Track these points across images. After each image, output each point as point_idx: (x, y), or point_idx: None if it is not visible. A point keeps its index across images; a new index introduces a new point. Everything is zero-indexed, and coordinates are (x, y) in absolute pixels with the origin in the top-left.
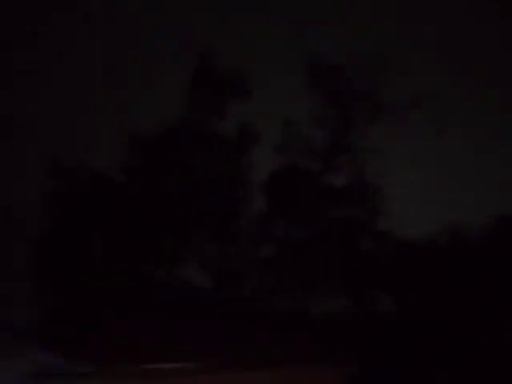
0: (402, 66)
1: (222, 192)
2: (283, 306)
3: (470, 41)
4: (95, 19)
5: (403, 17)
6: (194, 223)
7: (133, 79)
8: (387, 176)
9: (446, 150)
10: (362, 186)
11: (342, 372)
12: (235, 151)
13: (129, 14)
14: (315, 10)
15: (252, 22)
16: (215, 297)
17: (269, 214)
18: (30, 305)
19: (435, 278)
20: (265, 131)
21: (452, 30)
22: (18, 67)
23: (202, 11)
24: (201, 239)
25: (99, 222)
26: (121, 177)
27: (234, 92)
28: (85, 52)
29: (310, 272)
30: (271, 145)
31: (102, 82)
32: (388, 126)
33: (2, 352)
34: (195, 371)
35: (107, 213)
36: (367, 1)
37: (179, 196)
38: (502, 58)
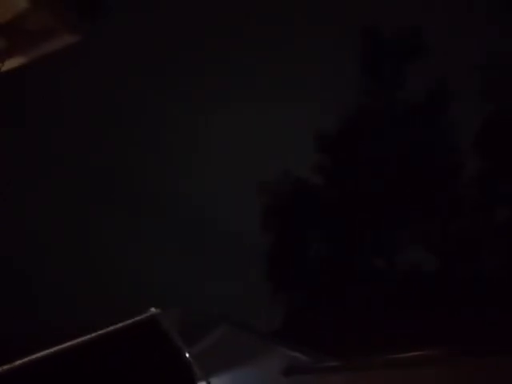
0: None
1: (430, 162)
2: None
3: None
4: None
5: None
6: (407, 203)
7: (304, 72)
8: None
9: None
10: None
11: None
12: (432, 113)
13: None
14: None
15: None
16: (445, 278)
17: (490, 173)
18: (271, 306)
19: None
20: (458, 83)
21: None
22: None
23: None
24: (419, 218)
25: (312, 223)
26: (318, 179)
27: (412, 54)
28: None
29: None
30: (471, 94)
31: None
32: None
33: (255, 351)
34: (438, 359)
35: (316, 214)
36: None
37: (383, 179)
38: None
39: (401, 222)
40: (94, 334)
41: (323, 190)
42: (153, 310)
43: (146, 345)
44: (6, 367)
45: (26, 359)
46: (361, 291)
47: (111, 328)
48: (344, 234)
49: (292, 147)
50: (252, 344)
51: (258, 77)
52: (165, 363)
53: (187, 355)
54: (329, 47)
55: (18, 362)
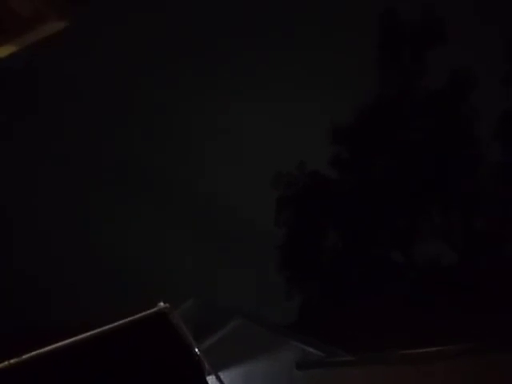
0: None
1: (449, 153)
2: None
3: None
4: None
5: None
6: (425, 195)
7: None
8: None
9: None
10: None
11: None
12: (451, 103)
13: None
14: None
15: None
16: (463, 271)
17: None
18: (286, 300)
19: None
20: (481, 71)
21: None
22: None
23: None
24: (438, 210)
25: (328, 216)
26: (332, 172)
27: (430, 41)
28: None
29: None
30: (493, 84)
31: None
32: None
33: (268, 344)
34: (455, 354)
35: (332, 206)
36: None
37: (401, 172)
38: None
39: (420, 215)
40: (98, 330)
41: (339, 182)
42: (161, 304)
43: (154, 340)
44: (13, 361)
45: (33, 353)
46: (377, 284)
47: (117, 323)
48: (360, 226)
49: (308, 140)
50: (265, 338)
51: (273, 68)
52: (173, 359)
53: (196, 350)
54: (345, 35)
55: (25, 356)
